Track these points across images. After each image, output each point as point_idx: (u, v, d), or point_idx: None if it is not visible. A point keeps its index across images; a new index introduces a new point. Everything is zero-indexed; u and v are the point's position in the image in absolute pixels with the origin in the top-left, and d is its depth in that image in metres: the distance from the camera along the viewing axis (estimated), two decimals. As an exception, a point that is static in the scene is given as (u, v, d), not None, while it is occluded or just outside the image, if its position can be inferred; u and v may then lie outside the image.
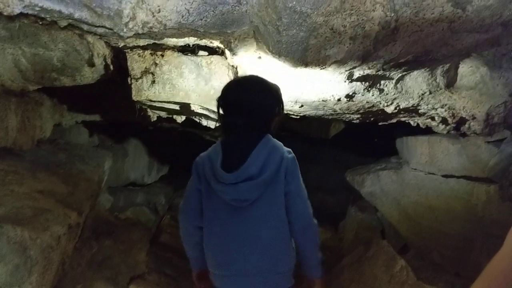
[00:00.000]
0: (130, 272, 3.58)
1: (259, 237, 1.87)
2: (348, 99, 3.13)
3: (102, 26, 2.13)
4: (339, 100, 3.15)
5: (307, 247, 1.97)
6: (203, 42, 2.79)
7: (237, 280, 1.91)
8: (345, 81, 2.81)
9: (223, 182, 1.82)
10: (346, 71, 2.61)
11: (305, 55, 2.44)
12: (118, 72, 3.37)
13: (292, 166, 1.89)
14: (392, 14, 2.07)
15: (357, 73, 2.68)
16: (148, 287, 3.59)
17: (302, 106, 3.49)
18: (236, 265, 1.89)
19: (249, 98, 1.90)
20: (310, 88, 3.00)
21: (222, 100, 1.98)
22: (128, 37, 2.25)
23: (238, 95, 1.94)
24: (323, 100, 3.20)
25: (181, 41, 2.80)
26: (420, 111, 3.30)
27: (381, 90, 3.03)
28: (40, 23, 2.47)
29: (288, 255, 1.97)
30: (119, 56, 3.33)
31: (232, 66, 3.14)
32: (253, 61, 2.71)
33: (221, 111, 1.99)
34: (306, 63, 2.43)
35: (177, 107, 3.43)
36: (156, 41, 2.57)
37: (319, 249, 2.01)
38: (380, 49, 2.35)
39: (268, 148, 1.86)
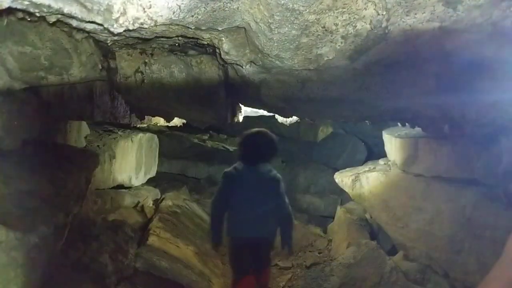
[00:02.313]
0: (118, 274, 3.54)
1: (263, 210, 3.22)
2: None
3: (92, 22, 2.10)
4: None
5: (287, 228, 3.40)
6: (193, 40, 2.77)
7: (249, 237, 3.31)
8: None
9: (252, 172, 3.24)
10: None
11: (296, 54, 2.44)
12: (106, 72, 3.33)
13: (281, 182, 3.34)
14: (384, 13, 2.07)
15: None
16: (136, 290, 3.55)
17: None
18: (247, 227, 3.27)
19: (263, 143, 3.30)
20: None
21: (246, 143, 3.35)
22: (118, 33, 2.22)
23: (256, 141, 3.31)
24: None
25: (171, 40, 2.77)
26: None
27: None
28: (29, 19, 2.42)
29: (275, 227, 3.37)
30: (107, 55, 3.29)
31: (223, 65, 3.12)
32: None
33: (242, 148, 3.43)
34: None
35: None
36: (146, 37, 2.54)
37: (292, 231, 3.49)
38: (371, 48, 2.35)
39: (269, 165, 3.34)
